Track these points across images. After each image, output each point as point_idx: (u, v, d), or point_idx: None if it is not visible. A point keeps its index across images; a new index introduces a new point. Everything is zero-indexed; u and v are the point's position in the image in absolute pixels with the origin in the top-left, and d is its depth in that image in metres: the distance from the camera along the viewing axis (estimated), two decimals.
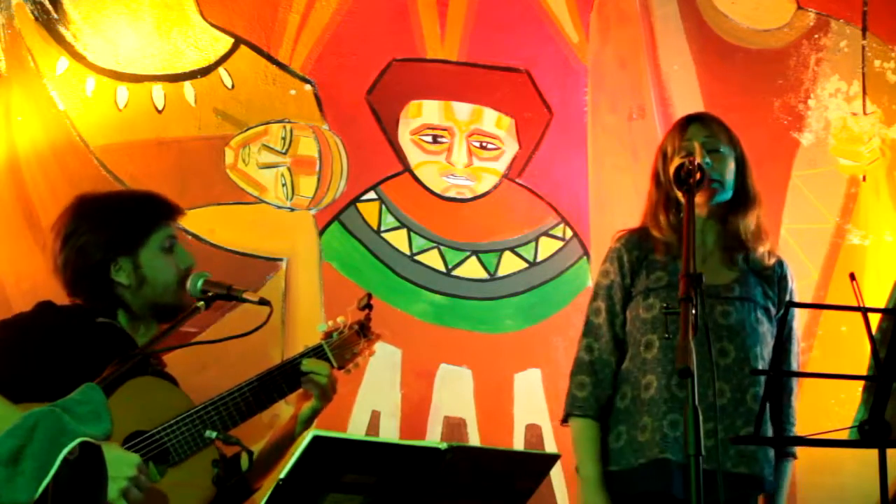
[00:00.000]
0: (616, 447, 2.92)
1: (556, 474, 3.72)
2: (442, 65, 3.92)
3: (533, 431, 3.80)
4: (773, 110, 4.16)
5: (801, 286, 3.97)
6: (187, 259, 2.86)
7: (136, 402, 2.60)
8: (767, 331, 2.95)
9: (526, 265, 3.91)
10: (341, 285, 3.70)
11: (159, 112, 3.63)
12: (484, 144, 3.93)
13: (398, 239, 3.82)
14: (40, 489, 1.97)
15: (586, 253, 3.94)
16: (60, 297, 2.88)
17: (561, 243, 3.95)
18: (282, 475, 2.20)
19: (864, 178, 4.17)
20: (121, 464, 2.40)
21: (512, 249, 3.91)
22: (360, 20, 3.84)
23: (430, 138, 3.89)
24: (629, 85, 4.06)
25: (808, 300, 3.98)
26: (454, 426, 3.74)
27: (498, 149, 3.94)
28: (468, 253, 3.87)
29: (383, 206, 3.82)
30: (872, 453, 2.53)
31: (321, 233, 3.74)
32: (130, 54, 3.63)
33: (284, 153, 3.73)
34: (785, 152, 4.14)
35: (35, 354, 2.62)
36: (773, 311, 2.99)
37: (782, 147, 4.13)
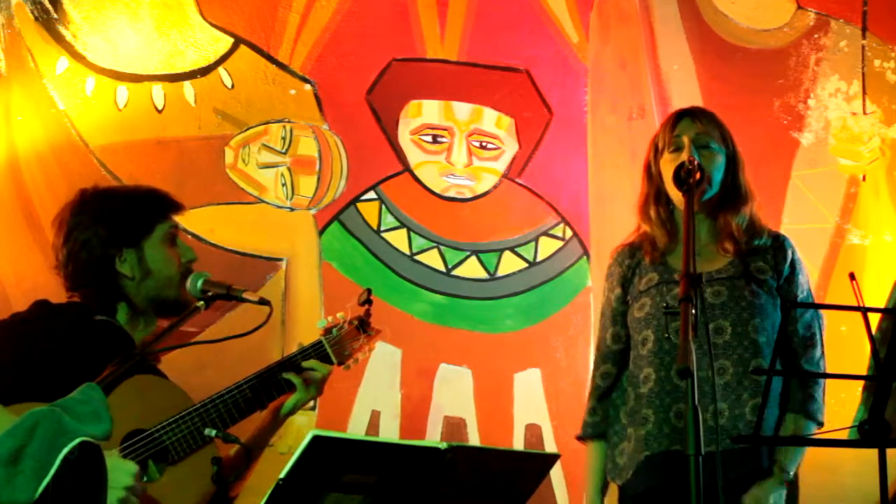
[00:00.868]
0: (621, 462, 2.94)
1: (556, 474, 3.72)
2: (442, 65, 3.92)
3: (533, 431, 3.80)
4: (773, 110, 4.16)
5: None
6: (189, 252, 2.86)
7: (135, 400, 2.59)
8: (766, 302, 2.92)
9: (526, 265, 3.91)
10: (341, 285, 3.71)
11: (159, 112, 3.63)
12: (484, 144, 3.93)
13: (398, 239, 3.82)
14: (40, 489, 1.96)
15: (586, 253, 3.94)
16: (60, 297, 2.88)
17: (561, 243, 3.95)
18: (282, 475, 2.20)
19: (864, 178, 4.17)
20: (118, 473, 2.39)
21: (512, 249, 3.91)
22: (360, 20, 3.84)
23: (429, 138, 3.89)
24: (629, 85, 4.06)
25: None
26: (454, 426, 3.74)
27: (498, 148, 3.94)
28: (468, 253, 3.87)
29: (383, 206, 3.82)
30: (872, 453, 2.52)
31: (321, 233, 3.75)
32: (130, 54, 3.63)
33: (284, 153, 3.74)
34: (785, 152, 4.14)
35: (32, 354, 2.61)
36: (771, 283, 2.95)
37: (782, 147, 4.13)
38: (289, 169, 3.73)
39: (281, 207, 3.71)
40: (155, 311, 2.84)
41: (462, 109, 3.93)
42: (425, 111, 3.90)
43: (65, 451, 2.00)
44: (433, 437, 3.71)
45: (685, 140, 2.93)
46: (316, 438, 2.19)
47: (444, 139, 3.90)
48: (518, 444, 3.77)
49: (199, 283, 2.74)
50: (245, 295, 2.72)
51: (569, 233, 3.95)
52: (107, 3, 3.63)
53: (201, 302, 2.68)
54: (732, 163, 3.00)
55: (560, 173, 3.97)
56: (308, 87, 3.78)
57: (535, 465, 2.60)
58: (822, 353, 3.01)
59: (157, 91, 3.64)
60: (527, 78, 3.98)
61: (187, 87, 3.66)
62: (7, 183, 3.48)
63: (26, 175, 3.50)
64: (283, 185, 3.72)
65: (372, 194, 3.82)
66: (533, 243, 3.93)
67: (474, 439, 3.73)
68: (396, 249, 3.81)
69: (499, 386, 3.81)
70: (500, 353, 3.83)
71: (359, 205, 3.80)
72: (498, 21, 3.97)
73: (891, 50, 4.25)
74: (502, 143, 3.95)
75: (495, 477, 2.45)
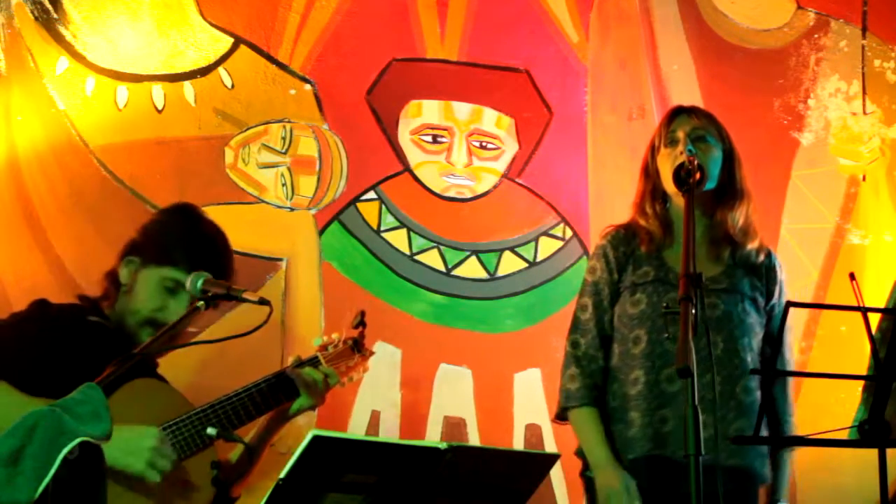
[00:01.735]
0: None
1: (556, 474, 3.72)
2: (442, 65, 3.92)
3: (533, 431, 3.80)
4: (773, 110, 4.16)
5: (800, 286, 3.99)
6: (172, 313, 2.79)
7: (136, 403, 2.60)
8: (756, 322, 2.93)
9: (526, 265, 3.91)
10: (341, 285, 3.71)
11: (159, 112, 3.63)
12: (484, 144, 3.93)
13: (398, 239, 3.82)
14: (40, 489, 1.97)
15: (586, 253, 3.94)
16: (60, 298, 2.88)
17: (561, 243, 3.95)
18: (282, 475, 2.20)
19: (864, 178, 4.17)
20: (140, 437, 2.45)
21: (512, 249, 3.91)
22: (360, 20, 3.84)
23: (429, 138, 3.89)
24: (629, 85, 4.06)
25: (808, 300, 3.98)
26: (454, 426, 3.74)
27: (498, 148, 3.94)
28: (468, 253, 3.87)
29: (383, 206, 3.82)
30: (872, 453, 2.53)
31: (321, 233, 3.74)
32: (130, 54, 3.63)
33: (284, 153, 3.74)
34: (785, 152, 4.13)
35: (32, 353, 2.62)
36: (761, 302, 2.96)
37: (782, 147, 4.13)
38: (289, 169, 3.73)
39: (281, 207, 3.71)
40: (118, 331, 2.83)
41: (462, 109, 3.93)
42: (425, 111, 3.90)
43: (65, 451, 2.00)
44: (433, 437, 3.71)
45: (680, 134, 2.93)
46: (316, 438, 2.19)
47: (444, 139, 3.90)
48: (518, 444, 3.77)
49: (199, 283, 2.74)
50: (245, 295, 2.72)
51: (569, 233, 3.95)
52: (107, 3, 3.63)
53: (201, 302, 2.68)
54: (729, 160, 3.00)
55: (560, 173, 3.97)
56: (308, 87, 3.78)
57: (535, 465, 2.60)
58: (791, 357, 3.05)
59: (157, 91, 3.64)
60: (527, 78, 3.98)
61: (187, 87, 3.66)
62: (7, 183, 3.48)
63: (26, 175, 3.50)
64: (283, 185, 3.72)
65: (372, 194, 3.82)
66: (533, 243, 3.93)
67: (474, 439, 3.73)
68: (396, 249, 3.81)
69: (499, 386, 3.81)
70: (500, 353, 3.83)
71: (359, 205, 3.80)
72: (498, 21, 3.97)
73: (891, 50, 4.25)
74: (502, 143, 3.95)
75: (495, 477, 2.45)
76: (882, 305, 2.63)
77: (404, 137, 3.87)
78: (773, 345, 2.88)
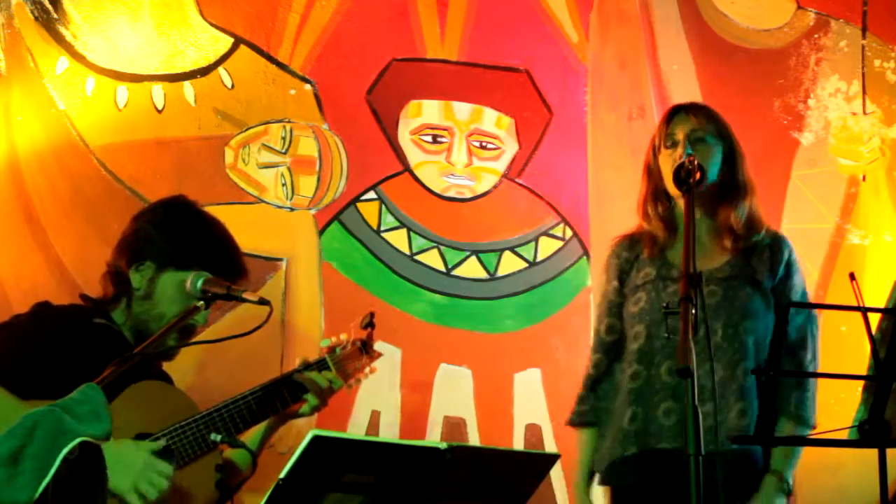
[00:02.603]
0: (604, 451, 2.95)
1: (556, 474, 3.72)
2: (442, 65, 3.92)
3: (533, 431, 3.80)
4: (773, 110, 4.16)
5: None
6: (200, 316, 2.77)
7: (141, 404, 2.60)
8: (760, 303, 2.92)
9: (526, 265, 3.91)
10: (341, 285, 3.70)
11: (159, 112, 3.63)
12: (484, 144, 3.93)
13: (398, 239, 3.82)
14: (40, 489, 1.97)
15: (586, 253, 3.94)
16: (60, 297, 2.88)
17: (561, 243, 3.95)
18: (282, 475, 2.20)
19: (864, 178, 4.17)
20: (131, 453, 2.40)
21: (512, 249, 3.91)
22: (360, 20, 3.84)
23: (429, 138, 3.89)
24: (629, 85, 4.06)
25: (808, 300, 3.97)
26: (454, 426, 3.74)
27: (498, 148, 3.94)
28: (468, 253, 3.87)
29: (383, 206, 3.82)
30: (872, 453, 2.52)
31: (321, 233, 3.74)
32: (130, 54, 3.63)
33: (284, 153, 3.74)
34: (785, 152, 4.13)
35: (33, 356, 2.61)
36: (766, 284, 2.94)
37: (782, 147, 4.13)
38: (289, 169, 3.73)
39: (281, 207, 3.71)
40: (137, 335, 2.81)
41: (462, 109, 3.93)
42: (425, 111, 3.90)
43: (65, 451, 2.00)
44: (433, 437, 3.71)
45: (680, 136, 2.94)
46: (316, 438, 2.19)
47: (444, 139, 3.90)
48: (518, 444, 3.77)
49: (199, 283, 2.74)
50: (245, 295, 2.72)
51: (569, 233, 3.95)
52: (107, 3, 3.63)
53: (201, 302, 2.68)
54: (731, 156, 3.00)
55: (560, 173, 3.97)
56: (308, 87, 3.78)
57: (535, 465, 2.60)
58: (814, 356, 2.99)
59: (157, 91, 3.64)
60: (527, 78, 3.98)
61: (187, 87, 3.66)
62: (7, 183, 3.48)
63: (26, 175, 3.50)
64: (283, 185, 3.72)
65: (372, 194, 3.82)
66: (533, 243, 3.93)
67: (474, 439, 3.73)
68: (396, 249, 3.81)
69: (499, 386, 3.81)
70: (500, 353, 3.83)
71: (359, 205, 3.80)
72: (498, 21, 3.97)
73: (891, 50, 4.25)
74: (502, 143, 3.95)
75: (495, 477, 2.45)
76: (882, 305, 2.62)
77: (404, 137, 3.87)
78: (775, 345, 2.87)
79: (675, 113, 3.01)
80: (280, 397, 2.77)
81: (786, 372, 2.96)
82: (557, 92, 4.00)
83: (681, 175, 2.77)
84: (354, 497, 2.31)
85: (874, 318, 2.56)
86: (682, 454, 2.73)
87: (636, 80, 4.07)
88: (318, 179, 3.75)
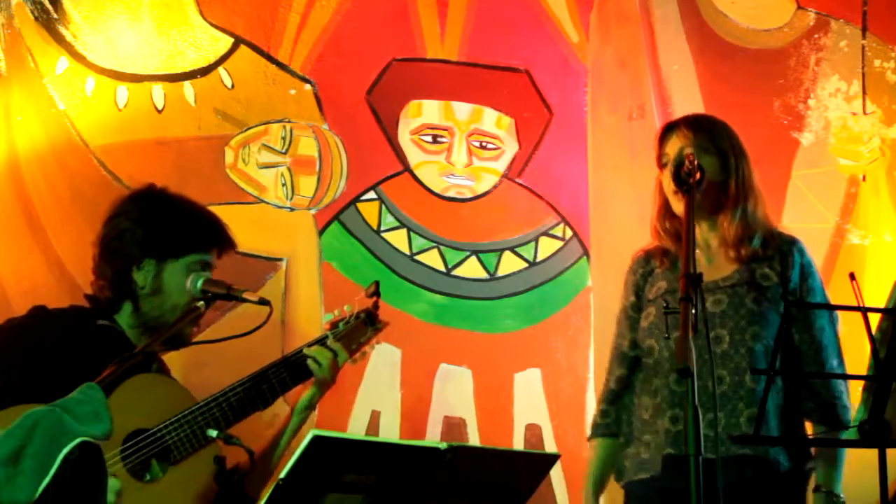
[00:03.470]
0: (635, 462, 2.95)
1: (556, 474, 3.72)
2: (442, 65, 3.92)
3: (533, 431, 3.80)
4: (773, 110, 4.16)
5: None
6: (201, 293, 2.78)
7: (137, 399, 2.59)
8: (769, 309, 2.90)
9: (526, 265, 3.91)
10: (341, 285, 3.70)
11: (159, 112, 3.63)
12: (484, 144, 3.93)
13: (398, 239, 3.82)
14: (40, 489, 1.97)
15: (586, 253, 3.94)
16: (60, 297, 2.88)
17: (561, 243, 3.95)
18: (282, 475, 2.20)
19: (864, 178, 4.17)
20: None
21: (512, 249, 3.91)
22: (360, 20, 3.84)
23: (429, 138, 3.89)
24: (629, 85, 4.06)
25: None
26: (454, 426, 3.74)
27: (498, 149, 3.94)
28: (468, 253, 3.87)
29: (383, 206, 3.82)
30: (872, 453, 2.53)
31: (321, 233, 3.75)
32: (130, 54, 3.63)
33: (284, 153, 3.74)
34: (785, 152, 4.13)
35: (26, 362, 2.60)
36: (776, 289, 2.92)
37: (782, 147, 4.13)
38: (289, 169, 3.73)
39: (281, 207, 3.71)
40: (149, 332, 2.81)
41: (462, 109, 3.93)
42: (425, 111, 3.90)
43: (65, 451, 2.00)
44: (433, 437, 3.71)
45: (671, 155, 2.95)
46: (316, 438, 2.19)
47: (444, 139, 3.90)
48: (518, 444, 3.77)
49: (199, 283, 2.74)
50: (245, 295, 2.72)
51: (569, 233, 3.95)
52: (107, 3, 3.62)
53: (201, 302, 2.68)
54: (726, 163, 2.98)
55: (560, 173, 3.97)
56: (308, 87, 3.78)
57: (535, 465, 2.61)
58: (841, 360, 2.95)
59: (157, 91, 3.64)
60: (527, 78, 3.98)
61: (187, 87, 3.66)
62: (7, 183, 3.48)
63: (26, 175, 3.50)
64: (283, 185, 3.72)
65: (372, 194, 3.82)
66: (533, 243, 3.93)
67: (474, 439, 3.73)
68: (396, 249, 3.81)
69: (499, 386, 3.81)
70: (500, 353, 3.83)
71: (359, 205, 3.80)
72: (498, 21, 3.97)
73: (891, 50, 4.25)
74: (502, 143, 3.95)
75: (495, 477, 2.45)
76: (882, 305, 2.62)
77: (404, 137, 3.87)
78: (775, 344, 2.87)
79: (666, 132, 3.02)
80: (280, 380, 2.75)
81: (785, 371, 2.95)
82: (557, 92, 4.00)
83: (681, 174, 2.78)
84: (354, 497, 2.31)
85: (874, 318, 2.56)
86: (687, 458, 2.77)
87: (636, 80, 4.07)
88: (318, 179, 3.75)
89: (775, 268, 2.95)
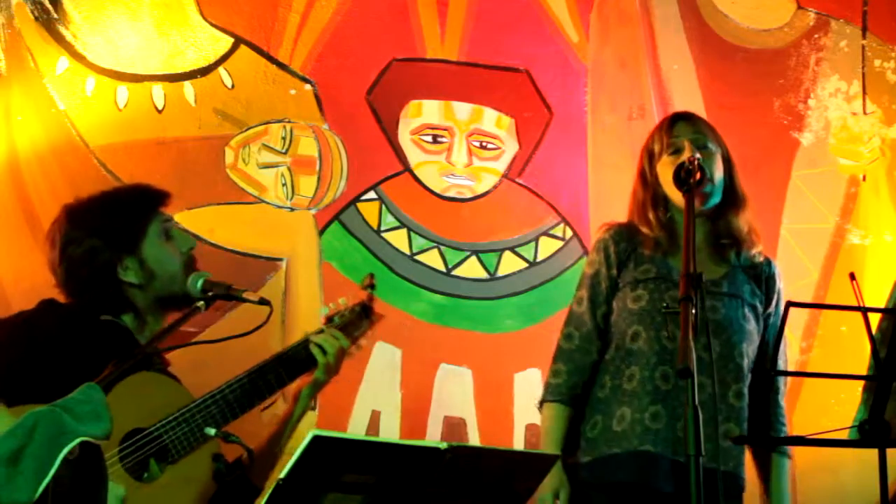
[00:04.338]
0: (591, 436, 2.91)
1: None
2: (442, 65, 3.92)
3: (533, 431, 3.80)
4: (773, 110, 4.16)
5: (800, 286, 3.99)
6: (187, 241, 2.82)
7: (134, 398, 2.58)
8: (754, 328, 2.94)
9: (526, 265, 3.91)
10: (341, 285, 3.70)
11: (159, 112, 3.63)
12: (484, 144, 3.93)
13: (398, 239, 3.82)
14: (40, 489, 1.97)
15: (586, 252, 3.93)
16: (60, 298, 2.87)
17: (561, 243, 3.95)
18: (282, 475, 2.20)
19: (864, 178, 4.17)
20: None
21: (512, 249, 3.91)
22: (360, 20, 3.85)
23: (430, 138, 3.89)
24: (629, 85, 4.06)
25: (808, 300, 3.97)
26: (454, 426, 3.74)
27: (498, 148, 3.94)
28: (468, 253, 3.87)
29: (383, 206, 3.82)
30: (872, 453, 2.53)
31: (321, 233, 3.75)
32: (130, 54, 3.63)
33: (284, 153, 3.74)
34: (785, 152, 4.13)
35: (38, 354, 2.60)
36: (759, 309, 2.98)
37: (782, 147, 4.13)
38: (289, 169, 3.73)
39: (281, 207, 3.71)
40: (162, 308, 2.82)
41: (462, 109, 3.93)
42: (425, 111, 3.90)
43: (65, 451, 2.00)
44: (433, 437, 3.71)
45: (685, 142, 2.94)
46: (316, 438, 2.19)
47: (444, 139, 3.90)
48: (518, 444, 3.77)
49: (199, 283, 2.74)
50: (245, 295, 2.72)
51: (569, 233, 3.95)
52: (107, 3, 3.63)
53: (201, 302, 2.67)
54: (728, 166, 3.01)
55: (560, 173, 3.97)
56: (308, 87, 3.78)
57: (535, 465, 2.60)
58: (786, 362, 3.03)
59: (157, 91, 3.64)
60: (527, 78, 3.98)
61: (187, 87, 3.66)
62: (7, 183, 3.48)
63: (26, 175, 3.50)
64: (284, 185, 3.72)
65: (372, 194, 3.82)
66: (533, 243, 3.93)
67: (474, 439, 3.73)
68: (396, 249, 3.81)
69: (499, 386, 3.81)
70: (500, 353, 3.83)
71: (359, 205, 3.80)
72: (498, 21, 3.97)
73: (891, 50, 4.25)
74: (502, 143, 3.95)
75: (495, 477, 2.45)
76: (882, 305, 2.63)
77: (404, 137, 3.87)
78: (775, 344, 2.87)
79: (676, 120, 3.01)
80: (277, 375, 2.75)
81: (787, 372, 2.97)
82: (557, 92, 4.00)
83: (681, 175, 2.78)
84: (354, 497, 2.31)
85: (874, 318, 2.57)
86: (665, 459, 2.76)
87: (636, 80, 4.07)
88: (319, 179, 3.75)
89: (762, 288, 3.01)
